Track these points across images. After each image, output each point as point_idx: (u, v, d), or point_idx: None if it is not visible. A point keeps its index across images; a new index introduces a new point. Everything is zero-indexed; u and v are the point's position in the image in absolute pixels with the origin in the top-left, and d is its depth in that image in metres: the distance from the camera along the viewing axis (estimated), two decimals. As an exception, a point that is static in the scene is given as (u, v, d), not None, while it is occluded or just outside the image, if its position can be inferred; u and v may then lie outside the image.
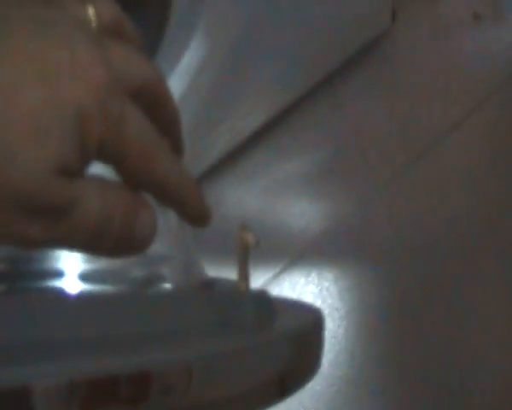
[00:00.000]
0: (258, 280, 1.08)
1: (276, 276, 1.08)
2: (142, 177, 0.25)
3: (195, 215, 0.29)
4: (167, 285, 0.36)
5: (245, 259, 0.34)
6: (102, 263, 0.33)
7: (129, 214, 0.25)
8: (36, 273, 0.31)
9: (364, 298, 1.13)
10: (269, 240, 1.17)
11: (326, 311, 1.17)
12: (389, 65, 1.15)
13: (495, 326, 1.07)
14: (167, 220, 0.40)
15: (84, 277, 0.31)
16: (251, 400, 0.29)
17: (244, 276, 0.34)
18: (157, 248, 0.39)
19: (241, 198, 1.09)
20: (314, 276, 1.15)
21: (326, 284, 1.15)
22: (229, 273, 0.38)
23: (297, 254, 1.18)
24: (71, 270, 0.31)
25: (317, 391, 1.15)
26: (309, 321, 0.34)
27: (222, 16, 0.80)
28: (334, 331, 1.15)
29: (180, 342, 0.28)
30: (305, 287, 1.13)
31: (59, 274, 0.31)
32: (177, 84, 0.75)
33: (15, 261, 0.30)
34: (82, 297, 0.29)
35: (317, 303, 1.09)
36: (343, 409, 1.14)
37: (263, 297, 0.34)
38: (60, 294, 0.29)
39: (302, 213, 1.18)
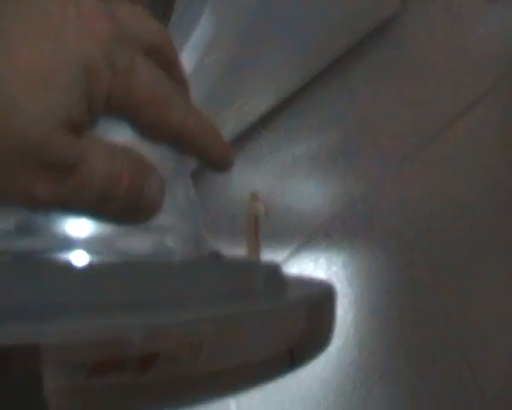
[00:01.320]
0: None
1: (284, 261, 1.07)
2: (157, 127, 0.25)
3: (217, 161, 0.28)
4: (174, 257, 0.35)
5: (255, 228, 0.33)
6: (109, 232, 0.32)
7: (136, 179, 0.24)
8: (43, 244, 0.30)
9: (374, 284, 1.13)
10: (277, 225, 1.17)
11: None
12: (400, 48, 1.14)
13: (504, 311, 1.06)
14: (176, 192, 0.40)
15: (90, 247, 0.31)
16: (260, 369, 0.28)
17: (254, 246, 0.33)
18: (164, 219, 0.39)
19: (249, 181, 1.08)
20: (323, 261, 1.14)
21: (335, 269, 1.15)
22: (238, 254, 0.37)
23: (305, 238, 1.17)
24: (77, 241, 0.31)
25: (325, 377, 1.15)
26: (321, 292, 0.33)
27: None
28: (342, 317, 1.14)
29: (188, 308, 0.27)
30: (313, 272, 1.12)
31: (66, 245, 0.31)
32: (184, 64, 0.74)
33: (22, 232, 0.30)
34: (89, 266, 0.28)
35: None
36: (352, 395, 1.13)
37: (273, 267, 0.33)
38: (67, 263, 0.29)
39: (310, 196, 1.17)
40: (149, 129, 0.25)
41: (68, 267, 0.27)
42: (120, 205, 0.24)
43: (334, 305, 0.35)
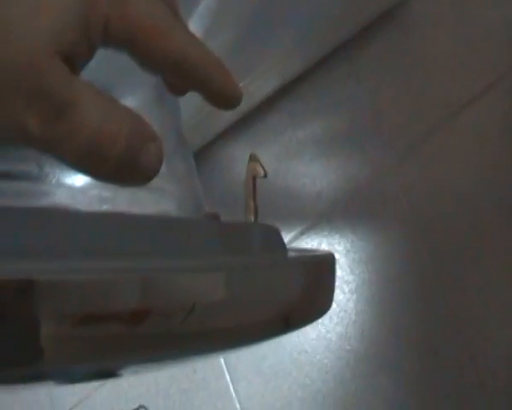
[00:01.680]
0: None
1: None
2: (157, 55, 0.24)
3: (223, 94, 0.27)
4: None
5: (253, 190, 0.32)
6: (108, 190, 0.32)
7: (135, 141, 0.23)
8: (37, 192, 0.29)
9: (376, 272, 1.12)
10: (279, 209, 1.16)
11: (336, 283, 1.17)
12: (406, 35, 1.13)
13: (507, 304, 1.05)
14: (173, 157, 0.39)
15: (85, 198, 0.30)
16: (253, 330, 0.28)
17: (252, 207, 0.32)
18: (160, 182, 0.38)
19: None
20: (325, 247, 1.14)
21: (337, 255, 1.14)
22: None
23: (308, 224, 1.17)
24: (74, 189, 0.30)
25: (325, 364, 1.15)
26: (320, 255, 0.33)
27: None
28: (343, 304, 1.14)
29: (182, 262, 0.26)
30: (315, 259, 1.12)
31: (63, 192, 0.30)
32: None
33: (15, 177, 0.29)
34: (86, 214, 0.28)
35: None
36: (351, 383, 1.13)
37: (272, 229, 0.32)
38: (64, 211, 0.28)
39: (314, 181, 1.16)
40: (149, 57, 0.24)
41: (66, 214, 0.27)
42: (113, 166, 0.23)
43: (334, 271, 0.34)
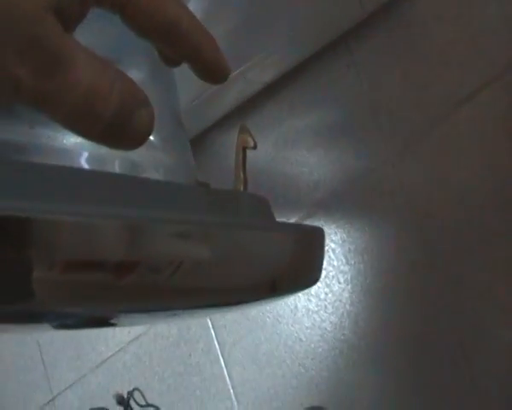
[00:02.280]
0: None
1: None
2: (150, 18, 0.24)
3: (213, 65, 0.27)
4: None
5: (243, 160, 0.33)
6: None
7: (127, 103, 0.23)
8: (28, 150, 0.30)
9: (371, 263, 1.12)
10: (276, 198, 1.17)
11: (331, 273, 1.18)
12: (407, 28, 1.13)
13: (501, 300, 1.05)
14: (164, 124, 0.39)
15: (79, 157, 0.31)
16: (240, 291, 0.28)
17: (241, 178, 0.33)
18: (157, 154, 0.39)
19: (251, 152, 1.09)
20: (321, 237, 1.14)
21: (333, 245, 1.15)
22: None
23: (304, 213, 1.17)
24: (64, 154, 0.31)
25: (318, 353, 1.16)
26: (308, 226, 0.33)
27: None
28: (338, 294, 1.14)
29: (172, 220, 0.27)
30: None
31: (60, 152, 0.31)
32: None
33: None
34: (79, 170, 0.28)
35: (323, 266, 1.09)
36: (344, 372, 1.13)
37: (260, 198, 0.33)
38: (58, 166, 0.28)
39: (311, 171, 1.17)
40: (142, 20, 0.24)
41: (59, 168, 0.27)
42: (105, 125, 0.23)
43: (323, 242, 0.35)
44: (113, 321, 0.27)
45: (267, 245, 0.29)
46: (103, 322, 0.27)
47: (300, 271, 0.32)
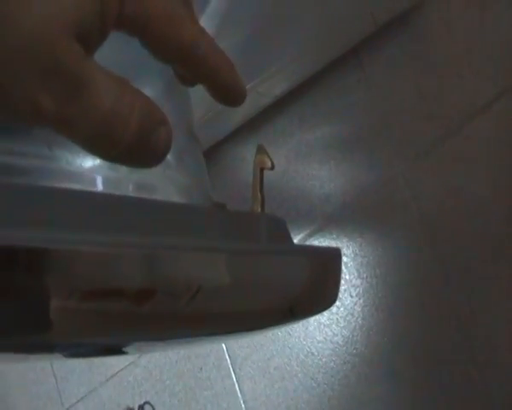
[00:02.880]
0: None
1: (294, 249, 1.07)
2: (169, 42, 0.24)
3: (229, 88, 0.27)
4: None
5: (260, 181, 0.33)
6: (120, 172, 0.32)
7: (145, 122, 0.23)
8: (46, 171, 0.30)
9: (383, 277, 1.12)
10: (288, 212, 1.16)
11: (343, 287, 1.17)
12: (419, 40, 1.13)
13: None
14: (186, 154, 0.39)
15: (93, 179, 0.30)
16: (258, 316, 0.28)
17: (259, 198, 0.33)
18: (173, 174, 0.39)
19: (262, 165, 1.09)
20: (333, 250, 1.13)
21: (345, 259, 1.14)
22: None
23: (316, 226, 1.17)
24: (82, 176, 0.31)
25: (330, 367, 1.15)
26: (325, 248, 0.33)
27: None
28: (350, 308, 1.14)
29: (190, 246, 0.26)
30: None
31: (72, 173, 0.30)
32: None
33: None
34: (98, 195, 0.28)
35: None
36: (356, 387, 1.13)
37: (278, 220, 0.32)
38: (75, 190, 0.28)
39: (323, 184, 1.17)
40: (161, 44, 0.24)
41: (77, 192, 0.27)
42: (124, 148, 0.23)
43: (339, 264, 0.35)
44: (127, 349, 0.26)
45: (285, 270, 0.29)
46: (117, 351, 0.27)
47: (318, 295, 0.32)
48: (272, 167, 0.33)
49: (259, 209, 0.33)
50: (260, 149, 0.33)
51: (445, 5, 1.12)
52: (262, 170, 0.33)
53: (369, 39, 1.10)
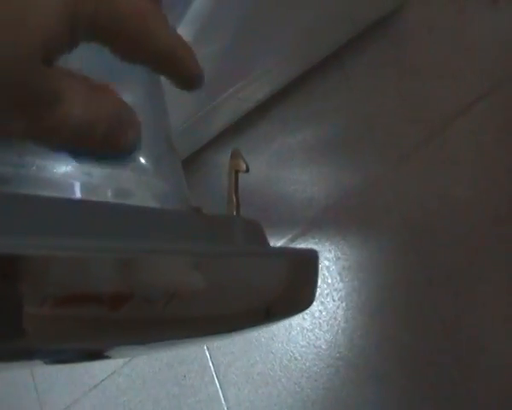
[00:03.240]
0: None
1: (277, 254, 1.07)
2: (143, 51, 0.24)
3: (192, 76, 0.27)
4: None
5: (235, 184, 0.33)
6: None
7: (114, 127, 0.24)
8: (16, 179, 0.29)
9: (366, 280, 1.12)
10: (270, 216, 1.16)
11: (326, 291, 1.17)
12: (400, 43, 1.14)
13: (500, 316, 1.05)
14: (162, 160, 0.39)
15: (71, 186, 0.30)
16: (235, 318, 0.28)
17: (234, 202, 0.33)
18: (149, 180, 0.38)
19: (244, 170, 1.08)
20: (315, 254, 1.13)
21: (327, 263, 1.14)
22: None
23: (298, 231, 1.17)
24: (55, 181, 0.30)
25: (314, 371, 1.15)
26: (302, 249, 0.33)
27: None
28: (333, 312, 1.14)
29: (164, 249, 0.26)
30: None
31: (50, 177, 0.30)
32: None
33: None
34: (69, 200, 0.28)
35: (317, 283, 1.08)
36: (341, 391, 1.13)
37: (253, 223, 0.32)
38: (47, 197, 0.28)
39: (304, 189, 1.17)
40: (135, 53, 0.24)
41: (48, 199, 0.27)
42: (94, 149, 0.24)
43: (316, 265, 0.35)
44: (108, 354, 0.26)
45: (261, 272, 0.29)
46: (98, 355, 0.26)
47: (294, 296, 0.32)
48: (247, 170, 0.33)
49: (235, 212, 0.33)
50: (235, 153, 0.33)
51: (425, 8, 1.13)
52: (237, 173, 0.33)
53: (351, 43, 1.11)
